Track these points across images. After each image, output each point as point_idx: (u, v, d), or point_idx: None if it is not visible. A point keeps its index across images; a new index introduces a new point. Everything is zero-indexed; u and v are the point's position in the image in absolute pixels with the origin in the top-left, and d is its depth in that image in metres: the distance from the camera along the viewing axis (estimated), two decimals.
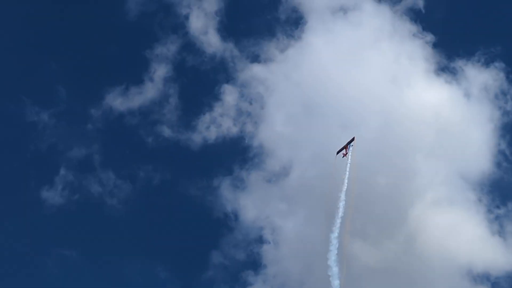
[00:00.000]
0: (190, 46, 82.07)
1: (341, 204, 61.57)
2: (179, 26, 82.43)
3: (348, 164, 63.36)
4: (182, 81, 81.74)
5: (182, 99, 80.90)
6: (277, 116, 79.12)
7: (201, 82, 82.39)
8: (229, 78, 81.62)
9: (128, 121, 79.46)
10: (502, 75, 79.62)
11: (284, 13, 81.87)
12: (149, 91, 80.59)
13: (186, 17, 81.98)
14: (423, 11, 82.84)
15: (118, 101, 79.49)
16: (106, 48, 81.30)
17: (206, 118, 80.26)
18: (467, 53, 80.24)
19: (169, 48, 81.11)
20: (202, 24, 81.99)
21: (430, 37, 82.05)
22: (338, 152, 64.62)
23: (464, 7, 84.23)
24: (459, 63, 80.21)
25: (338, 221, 60.80)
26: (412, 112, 77.81)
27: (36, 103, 78.12)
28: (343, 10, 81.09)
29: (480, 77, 79.22)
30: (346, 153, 64.07)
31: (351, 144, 64.08)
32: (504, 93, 78.87)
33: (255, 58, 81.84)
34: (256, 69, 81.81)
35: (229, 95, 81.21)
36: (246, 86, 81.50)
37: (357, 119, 74.74)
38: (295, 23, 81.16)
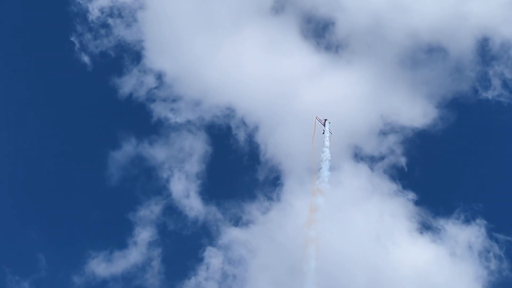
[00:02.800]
0: (172, 209, 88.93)
1: None
2: (161, 190, 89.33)
3: None
4: (165, 245, 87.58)
5: (166, 263, 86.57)
6: (261, 279, 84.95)
7: (184, 245, 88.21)
8: (213, 241, 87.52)
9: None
10: (483, 231, 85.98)
11: (262, 174, 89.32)
12: (133, 256, 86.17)
13: (167, 180, 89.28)
14: (406, 169, 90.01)
15: (101, 267, 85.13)
16: (88, 213, 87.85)
17: (191, 282, 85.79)
18: (449, 211, 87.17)
19: (152, 210, 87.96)
20: (183, 187, 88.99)
21: (411, 195, 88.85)
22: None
23: (445, 164, 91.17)
24: (441, 222, 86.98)
25: None
26: (397, 272, 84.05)
27: (17, 272, 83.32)
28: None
29: (463, 235, 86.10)
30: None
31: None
32: (487, 251, 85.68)
33: (237, 221, 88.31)
34: (239, 232, 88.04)
35: (214, 258, 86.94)
36: (230, 249, 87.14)
37: (343, 277, 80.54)
38: (273, 184, 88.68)
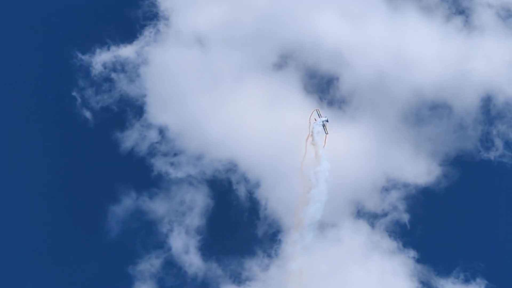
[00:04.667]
0: (171, 264, 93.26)
1: None
2: (160, 244, 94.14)
3: None
4: None
5: None
6: None
7: None
8: None
9: None
10: None
11: (262, 230, 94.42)
12: None
13: (167, 235, 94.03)
14: (408, 226, 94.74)
15: None
16: (88, 267, 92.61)
17: None
18: (448, 270, 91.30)
19: (152, 264, 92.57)
20: (183, 242, 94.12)
21: (412, 253, 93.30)
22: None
23: (447, 222, 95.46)
24: (441, 281, 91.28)
25: None
26: None
27: None
28: (321, 227, 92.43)
29: None
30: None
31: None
32: None
33: (237, 277, 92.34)
34: None
35: None
36: None
37: None
38: (272, 240, 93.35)
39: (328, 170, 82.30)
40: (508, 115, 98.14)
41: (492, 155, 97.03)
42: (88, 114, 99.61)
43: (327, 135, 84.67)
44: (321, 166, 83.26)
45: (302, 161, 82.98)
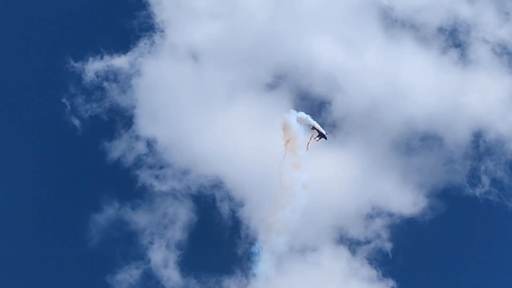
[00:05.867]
0: (150, 277, 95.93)
1: None
2: (140, 256, 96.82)
3: None
4: None
5: None
6: None
7: None
8: None
9: None
10: None
11: (242, 249, 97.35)
12: None
13: (147, 248, 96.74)
14: (390, 255, 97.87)
15: None
16: (67, 275, 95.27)
17: None
18: None
19: (131, 275, 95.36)
20: (163, 256, 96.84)
21: (391, 282, 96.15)
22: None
23: (430, 255, 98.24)
24: None
25: None
26: None
27: None
28: (302, 250, 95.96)
29: None
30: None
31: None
32: None
33: None
34: None
35: None
36: None
37: None
38: (251, 260, 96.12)
39: (308, 177, 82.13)
40: (497, 152, 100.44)
41: (478, 191, 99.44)
42: (76, 122, 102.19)
43: (311, 139, 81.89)
44: (300, 171, 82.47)
45: (281, 163, 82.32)
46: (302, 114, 79.10)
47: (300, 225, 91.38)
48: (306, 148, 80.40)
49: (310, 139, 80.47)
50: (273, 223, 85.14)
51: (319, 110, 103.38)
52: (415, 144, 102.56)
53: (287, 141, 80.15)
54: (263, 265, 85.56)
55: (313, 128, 79.74)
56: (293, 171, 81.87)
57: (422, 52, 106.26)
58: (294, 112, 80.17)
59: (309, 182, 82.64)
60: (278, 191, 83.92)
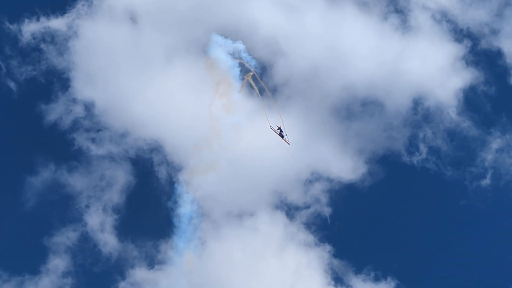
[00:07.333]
0: (86, 241, 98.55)
1: None
2: (76, 219, 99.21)
3: None
4: (78, 277, 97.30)
5: None
6: None
7: (96, 280, 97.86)
8: (126, 279, 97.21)
9: None
10: None
11: (179, 215, 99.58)
12: (44, 284, 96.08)
13: (84, 211, 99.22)
14: (329, 220, 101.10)
15: None
16: (2, 237, 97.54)
17: None
18: (360, 268, 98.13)
19: (68, 237, 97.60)
20: (100, 219, 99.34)
21: (328, 248, 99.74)
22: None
23: (367, 220, 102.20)
24: (353, 277, 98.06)
25: None
26: None
27: None
28: (239, 215, 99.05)
29: None
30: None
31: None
32: None
33: (152, 260, 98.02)
34: (153, 272, 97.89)
35: None
36: (143, 287, 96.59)
37: None
38: (189, 226, 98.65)
39: (240, 120, 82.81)
40: (436, 119, 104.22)
41: (415, 159, 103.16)
42: (12, 85, 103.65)
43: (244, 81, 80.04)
44: (232, 114, 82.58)
45: (211, 102, 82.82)
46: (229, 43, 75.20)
47: (237, 190, 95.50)
48: (239, 90, 79.85)
49: (245, 80, 79.08)
50: (199, 163, 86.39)
51: (260, 75, 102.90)
52: (356, 109, 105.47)
53: (218, 83, 79.17)
54: (185, 208, 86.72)
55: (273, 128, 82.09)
56: (224, 113, 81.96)
57: (363, 17, 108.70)
58: (219, 38, 77.40)
59: (240, 124, 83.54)
60: (208, 131, 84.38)
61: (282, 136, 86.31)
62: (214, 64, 78.76)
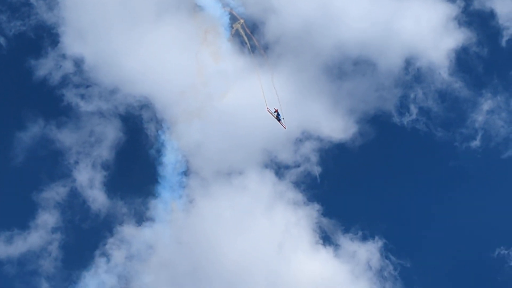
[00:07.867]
0: (75, 197, 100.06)
1: None
2: (65, 175, 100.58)
3: None
4: (67, 233, 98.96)
5: (64, 252, 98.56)
6: (162, 277, 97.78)
7: (85, 236, 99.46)
8: (115, 235, 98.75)
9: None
10: (379, 251, 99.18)
11: (169, 172, 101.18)
12: (33, 239, 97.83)
13: (73, 167, 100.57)
14: (318, 179, 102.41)
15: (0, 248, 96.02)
16: None
17: (89, 274, 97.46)
18: (348, 227, 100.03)
19: (58, 192, 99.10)
20: (89, 176, 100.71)
21: (317, 207, 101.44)
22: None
23: (357, 180, 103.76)
24: (341, 236, 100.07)
25: None
26: (297, 283, 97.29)
27: None
28: (228, 173, 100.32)
29: (360, 252, 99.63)
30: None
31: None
32: (383, 270, 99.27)
33: (141, 217, 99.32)
34: (142, 228, 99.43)
35: (115, 251, 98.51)
36: (132, 244, 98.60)
37: (241, 283, 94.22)
38: (178, 184, 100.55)
39: (227, 70, 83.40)
40: (428, 80, 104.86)
41: (405, 120, 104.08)
42: (1, 40, 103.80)
43: (233, 29, 79.72)
44: (220, 63, 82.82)
45: (198, 49, 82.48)
46: None
47: (227, 148, 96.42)
48: (228, 39, 79.94)
49: (234, 29, 79.43)
50: (183, 110, 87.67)
51: (252, 31, 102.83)
52: (348, 68, 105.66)
53: (206, 31, 78.80)
54: (169, 157, 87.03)
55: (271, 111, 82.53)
56: (211, 62, 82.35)
57: None
58: None
59: (228, 75, 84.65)
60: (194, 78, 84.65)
61: (279, 120, 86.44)
62: (203, 12, 78.22)
